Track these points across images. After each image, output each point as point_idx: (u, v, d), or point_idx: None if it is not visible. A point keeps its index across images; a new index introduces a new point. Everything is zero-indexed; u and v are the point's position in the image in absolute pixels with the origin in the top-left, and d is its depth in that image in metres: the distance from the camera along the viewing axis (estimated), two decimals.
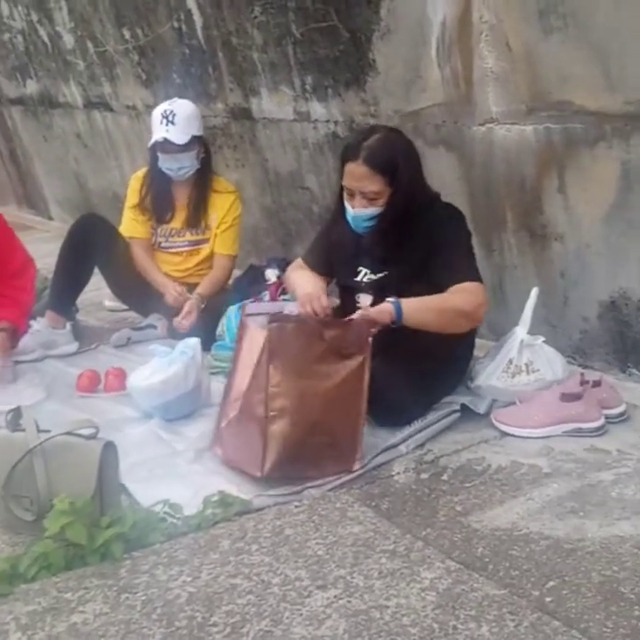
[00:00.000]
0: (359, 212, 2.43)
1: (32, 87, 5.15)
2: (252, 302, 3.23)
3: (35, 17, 4.68)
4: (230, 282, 3.67)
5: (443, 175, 2.74)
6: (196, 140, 3.31)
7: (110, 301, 3.87)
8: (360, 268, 2.58)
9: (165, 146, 3.27)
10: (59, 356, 3.29)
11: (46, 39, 4.72)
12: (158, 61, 4.01)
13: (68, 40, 4.54)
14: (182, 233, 3.49)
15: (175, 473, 2.25)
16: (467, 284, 2.39)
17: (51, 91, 5.00)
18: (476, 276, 2.42)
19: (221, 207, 3.44)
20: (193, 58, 3.79)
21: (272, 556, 1.79)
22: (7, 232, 3.04)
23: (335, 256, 2.65)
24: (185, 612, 1.59)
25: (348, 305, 2.60)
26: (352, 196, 2.43)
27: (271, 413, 2.12)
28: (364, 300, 2.55)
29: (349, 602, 1.62)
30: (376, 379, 2.36)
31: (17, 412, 1.98)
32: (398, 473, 2.22)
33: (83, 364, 3.20)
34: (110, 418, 2.65)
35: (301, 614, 1.58)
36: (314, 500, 2.04)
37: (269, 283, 3.53)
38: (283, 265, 3.71)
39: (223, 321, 3.18)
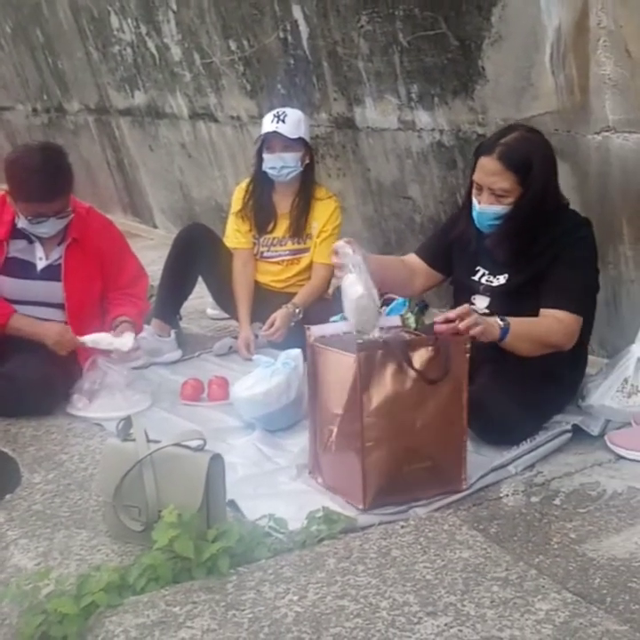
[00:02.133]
0: (485, 209, 2.38)
1: (140, 98, 5.27)
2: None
3: (143, 29, 4.78)
4: (332, 291, 3.65)
5: None
6: (302, 143, 3.33)
7: (212, 310, 3.92)
8: (478, 268, 2.53)
9: (273, 141, 3.30)
10: (163, 364, 3.34)
11: (154, 51, 4.82)
12: (263, 72, 4.04)
13: (176, 52, 4.63)
14: (284, 242, 3.49)
15: (279, 490, 2.23)
16: (565, 316, 2.34)
17: (157, 102, 5.11)
18: (578, 308, 2.36)
19: (322, 215, 3.43)
20: (297, 68, 3.80)
21: (379, 577, 1.75)
22: (119, 243, 3.10)
23: (454, 253, 2.60)
24: (292, 633, 1.57)
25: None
26: (480, 190, 2.39)
27: (368, 444, 2.06)
28: (480, 302, 2.50)
29: (461, 631, 1.57)
30: (481, 394, 2.30)
31: (128, 422, 2.01)
32: (507, 495, 2.15)
33: (186, 371, 3.24)
34: (213, 427, 2.67)
35: None
36: (420, 521, 1.99)
37: None
38: None
39: None
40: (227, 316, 3.78)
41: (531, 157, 2.33)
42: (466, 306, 2.18)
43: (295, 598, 1.68)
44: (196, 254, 3.46)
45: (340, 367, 2.14)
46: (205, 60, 4.43)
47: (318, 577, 1.75)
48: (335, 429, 2.15)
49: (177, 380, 3.13)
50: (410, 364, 2.09)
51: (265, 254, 3.52)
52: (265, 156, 3.34)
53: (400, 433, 2.09)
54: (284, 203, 3.46)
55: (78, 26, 5.51)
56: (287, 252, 3.50)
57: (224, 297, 3.63)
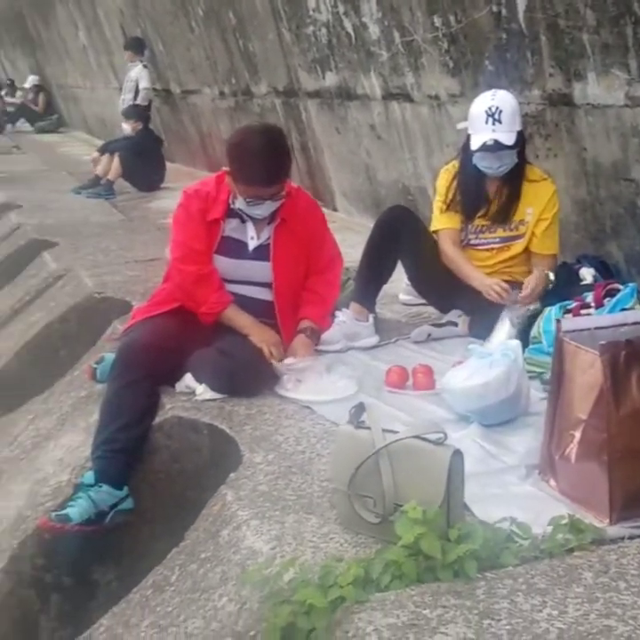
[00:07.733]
0: None
1: (331, 79, 5.22)
2: (572, 305, 2.99)
3: (341, 8, 4.71)
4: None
5: None
6: (519, 136, 3.14)
7: (405, 295, 3.81)
8: None
9: (492, 147, 3.11)
10: (361, 348, 3.27)
11: (351, 30, 4.74)
12: (469, 48, 3.86)
13: (374, 31, 4.53)
14: (493, 229, 3.33)
15: (510, 492, 2.08)
16: None
17: (349, 83, 5.04)
18: None
19: (538, 200, 3.24)
20: (509, 43, 3.59)
21: None
22: (322, 223, 3.08)
23: None
24: None
25: None
26: None
27: (615, 455, 1.88)
28: None
29: None
30: None
31: (359, 408, 1.92)
32: None
33: (384, 357, 3.15)
34: (424, 417, 2.57)
35: None
36: None
37: (585, 282, 3.26)
38: (596, 264, 3.42)
39: (540, 323, 2.96)
40: (420, 301, 3.66)
41: None
42: None
43: (555, 613, 1.53)
44: (398, 237, 3.36)
45: (588, 367, 1.95)
46: (406, 38, 4.30)
47: (576, 591, 1.60)
48: (577, 435, 1.97)
49: (378, 365, 3.04)
50: None
51: (472, 242, 3.36)
52: (479, 154, 3.15)
53: None
54: (493, 188, 3.29)
55: (272, 7, 5.53)
56: (497, 240, 3.34)
57: (423, 282, 3.52)
